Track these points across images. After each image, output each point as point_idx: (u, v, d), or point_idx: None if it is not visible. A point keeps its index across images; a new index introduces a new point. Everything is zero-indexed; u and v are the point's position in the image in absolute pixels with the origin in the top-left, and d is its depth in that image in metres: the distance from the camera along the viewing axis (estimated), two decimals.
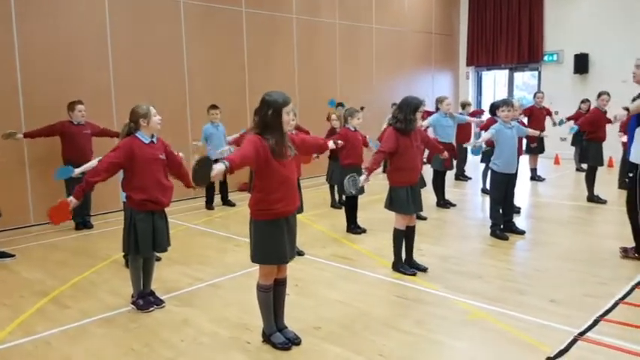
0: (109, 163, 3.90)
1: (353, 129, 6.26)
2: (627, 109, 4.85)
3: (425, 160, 8.74)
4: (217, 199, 8.45)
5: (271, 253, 3.29)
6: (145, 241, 4.03)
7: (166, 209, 4.18)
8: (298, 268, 5.02)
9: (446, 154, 5.69)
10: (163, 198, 4.06)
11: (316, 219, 7.29)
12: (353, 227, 6.47)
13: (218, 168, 2.88)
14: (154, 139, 4.08)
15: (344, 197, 6.79)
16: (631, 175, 5.05)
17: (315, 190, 9.56)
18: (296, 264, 4.90)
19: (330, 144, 3.95)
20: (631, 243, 5.20)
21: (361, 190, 5.04)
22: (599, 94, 7.89)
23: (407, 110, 4.63)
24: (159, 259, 5.40)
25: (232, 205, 8.30)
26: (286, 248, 3.33)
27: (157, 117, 4.07)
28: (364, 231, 6.44)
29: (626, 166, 5.29)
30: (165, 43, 8.79)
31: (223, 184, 8.40)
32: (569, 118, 10.48)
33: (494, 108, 7.74)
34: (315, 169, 10.49)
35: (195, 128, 8.69)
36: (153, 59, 8.64)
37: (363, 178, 4.44)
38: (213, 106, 8.01)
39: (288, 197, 3.29)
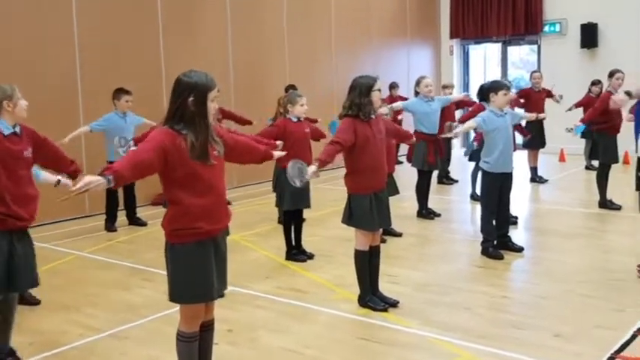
0: None
1: (295, 119, 6.20)
2: (629, 93, 5.04)
3: (401, 158, 8.87)
4: (122, 215, 8.17)
5: (196, 288, 3.22)
6: (2, 274, 3.75)
7: (45, 232, 4.03)
8: (231, 308, 4.92)
9: (414, 139, 5.73)
10: (25, 211, 3.84)
11: (258, 240, 7.22)
12: (295, 253, 6.35)
13: (87, 180, 2.77)
14: (17, 130, 3.89)
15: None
16: None
17: (256, 202, 9.48)
18: (228, 302, 4.80)
19: (276, 154, 3.92)
20: None
21: (305, 185, 4.91)
22: (612, 73, 8.09)
23: (357, 92, 4.66)
24: (37, 303, 5.14)
25: (142, 224, 8.09)
26: (214, 281, 3.26)
27: (24, 101, 3.90)
28: (310, 257, 6.36)
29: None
30: (47, 9, 8.46)
31: (129, 197, 8.14)
32: (577, 105, 10.76)
33: (484, 91, 7.85)
34: (255, 173, 10.34)
35: (89, 117, 8.31)
36: (29, 30, 8.24)
37: (312, 169, 4.37)
38: (124, 91, 7.82)
39: (214, 211, 3.22)
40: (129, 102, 7.80)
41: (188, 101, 3.10)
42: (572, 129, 8.59)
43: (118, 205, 8.06)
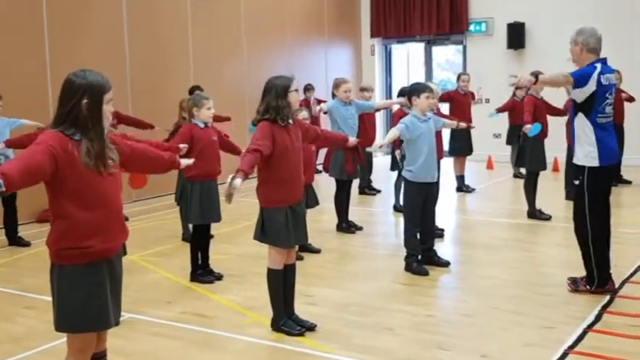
0: None
1: (202, 125, 6.13)
2: (536, 75, 5.32)
3: (320, 167, 8.93)
4: (0, 235, 7.95)
5: (87, 316, 3.14)
6: None
7: None
8: (128, 337, 4.83)
9: (352, 140, 5.57)
10: None
11: (158, 260, 7.11)
12: (200, 273, 6.28)
13: None
14: None
15: (191, 227, 6.63)
16: (577, 182, 5.47)
17: (158, 217, 9.33)
18: (124, 330, 4.70)
19: (183, 162, 3.86)
20: (581, 271, 5.61)
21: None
22: (535, 75, 8.40)
23: (274, 94, 4.66)
24: None
25: (25, 244, 7.90)
26: (109, 306, 3.19)
27: None
28: (218, 277, 6.31)
29: (572, 170, 5.73)
30: None
31: (9, 213, 7.89)
32: (501, 109, 11.13)
33: (405, 95, 8.02)
34: (155, 185, 10.12)
35: None
36: None
37: (238, 182, 4.32)
38: None
39: (109, 228, 3.17)
40: None
41: (82, 104, 3.06)
42: (520, 132, 8.76)
43: None
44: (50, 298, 3.20)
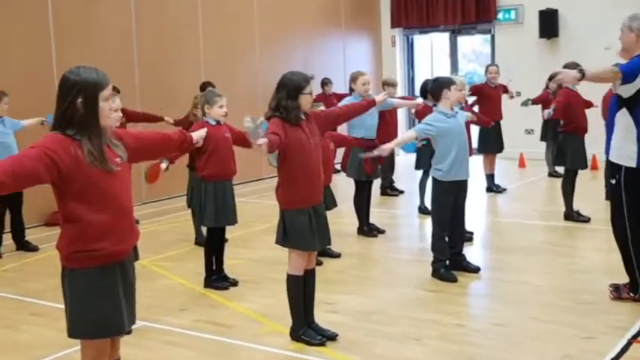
0: None
1: (214, 122, 6.16)
2: (580, 70, 5.05)
3: (338, 166, 8.93)
4: (8, 239, 8.01)
5: (101, 321, 3.18)
6: None
7: None
8: (139, 346, 4.86)
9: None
10: None
11: (171, 265, 7.16)
12: (215, 279, 6.33)
13: None
14: None
15: (204, 230, 6.65)
16: (614, 181, 5.41)
17: (169, 220, 9.39)
18: (136, 339, 4.76)
19: (198, 135, 3.91)
20: (624, 278, 5.56)
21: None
22: (570, 67, 8.33)
23: (285, 93, 4.66)
24: None
25: (33, 249, 8.01)
26: (123, 311, 3.23)
27: None
28: (234, 283, 6.35)
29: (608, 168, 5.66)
30: None
31: (16, 217, 8.01)
32: (536, 101, 11.07)
33: (428, 89, 7.98)
34: (166, 186, 10.24)
35: None
36: None
37: (263, 140, 4.31)
38: (2, 93, 7.70)
39: (119, 229, 3.20)
40: (7, 105, 7.72)
41: (77, 102, 3.10)
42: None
43: (4, 227, 7.91)
44: (58, 305, 3.24)
